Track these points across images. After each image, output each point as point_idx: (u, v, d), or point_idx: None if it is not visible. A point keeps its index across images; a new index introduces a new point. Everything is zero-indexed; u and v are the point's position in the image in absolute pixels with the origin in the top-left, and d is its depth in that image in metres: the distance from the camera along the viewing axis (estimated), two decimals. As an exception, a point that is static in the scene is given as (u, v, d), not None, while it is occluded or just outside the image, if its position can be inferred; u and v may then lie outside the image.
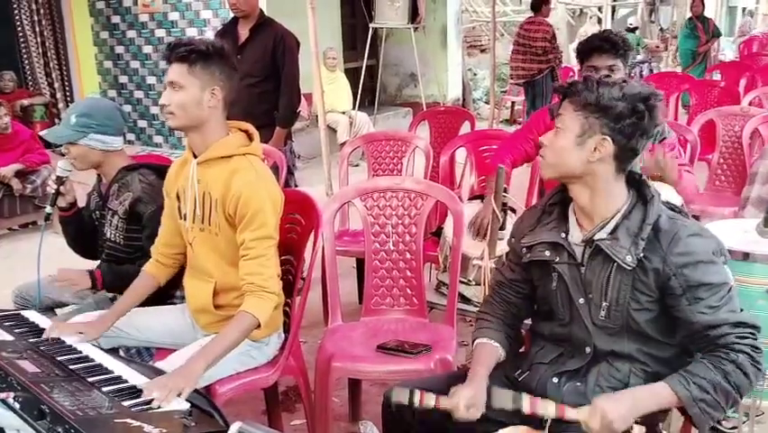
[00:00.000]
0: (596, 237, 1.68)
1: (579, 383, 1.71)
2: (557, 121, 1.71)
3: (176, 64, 2.01)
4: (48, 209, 2.45)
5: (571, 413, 1.58)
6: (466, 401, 1.64)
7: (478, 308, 1.97)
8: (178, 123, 2.05)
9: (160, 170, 2.43)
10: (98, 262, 2.54)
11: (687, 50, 9.74)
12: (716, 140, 4.15)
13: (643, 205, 1.67)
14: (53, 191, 2.44)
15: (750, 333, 1.58)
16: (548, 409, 1.60)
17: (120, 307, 2.21)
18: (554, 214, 1.79)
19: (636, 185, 1.72)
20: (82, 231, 2.58)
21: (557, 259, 1.74)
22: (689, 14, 10.47)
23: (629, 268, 1.62)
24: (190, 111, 2.02)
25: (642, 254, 1.61)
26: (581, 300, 1.70)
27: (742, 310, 1.63)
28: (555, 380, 1.74)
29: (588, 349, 1.71)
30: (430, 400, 1.67)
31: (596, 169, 1.66)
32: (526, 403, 1.61)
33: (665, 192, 2.23)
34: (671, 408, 1.64)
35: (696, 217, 3.86)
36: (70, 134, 2.37)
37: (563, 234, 1.74)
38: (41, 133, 2.49)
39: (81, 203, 2.60)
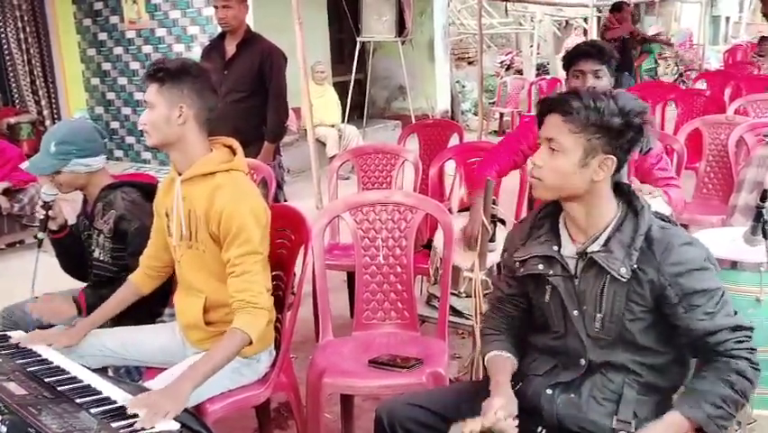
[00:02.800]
0: (589, 250, 1.68)
1: (573, 395, 1.70)
2: (548, 138, 1.66)
3: (149, 83, 2.05)
4: (40, 235, 2.45)
5: None
6: (502, 411, 1.61)
7: (481, 325, 1.97)
8: (152, 141, 2.08)
9: (143, 187, 2.43)
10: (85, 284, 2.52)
11: None
12: (702, 149, 4.19)
13: (634, 216, 1.67)
14: (42, 217, 2.43)
15: (746, 336, 1.59)
16: None
17: (100, 314, 2.21)
18: (545, 227, 1.79)
19: (625, 196, 1.72)
20: (75, 252, 2.56)
21: (551, 271, 1.73)
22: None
23: (624, 280, 1.62)
24: (161, 129, 2.04)
25: (636, 265, 1.62)
26: (576, 312, 1.70)
27: (736, 313, 1.63)
28: (549, 391, 1.73)
29: (582, 361, 1.71)
30: (475, 426, 1.60)
31: (598, 186, 1.67)
32: None
33: (653, 203, 2.24)
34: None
35: (684, 226, 3.88)
36: (54, 164, 2.36)
37: (555, 247, 1.74)
38: (22, 167, 2.47)
39: (72, 220, 2.59)
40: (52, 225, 2.48)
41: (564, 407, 1.69)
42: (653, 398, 1.68)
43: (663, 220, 1.71)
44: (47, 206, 2.42)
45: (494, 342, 1.87)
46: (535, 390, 1.75)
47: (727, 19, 21.07)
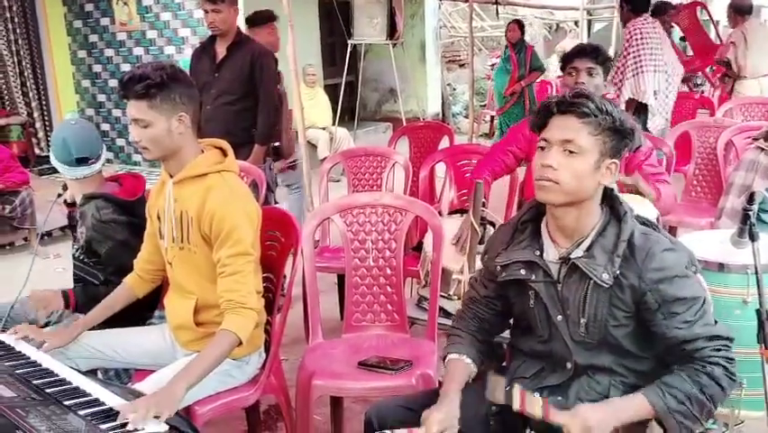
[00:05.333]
0: (572, 255, 1.68)
1: (560, 397, 1.71)
2: (566, 139, 1.62)
3: (134, 101, 1.98)
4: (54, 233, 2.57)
5: (555, 416, 1.60)
6: (439, 426, 1.63)
7: (451, 323, 1.97)
8: (153, 155, 2.05)
9: (119, 202, 2.42)
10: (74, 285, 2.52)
11: (501, 86, 7.51)
12: (691, 151, 4.22)
13: (617, 221, 1.67)
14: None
15: (724, 345, 1.60)
16: (535, 408, 1.62)
17: (92, 316, 2.21)
18: (527, 231, 1.78)
19: (609, 201, 1.71)
20: None
21: (533, 277, 1.73)
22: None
23: (606, 286, 1.63)
24: (164, 143, 2.02)
25: (618, 271, 1.62)
26: (560, 318, 1.71)
27: (716, 322, 1.65)
28: (536, 395, 1.72)
29: (569, 365, 1.72)
30: None
31: (598, 191, 1.67)
32: (517, 400, 1.63)
33: (639, 206, 2.26)
34: (650, 419, 1.65)
35: (673, 229, 3.91)
36: (86, 171, 2.45)
37: (538, 252, 1.74)
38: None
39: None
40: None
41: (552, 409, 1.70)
42: None
43: (646, 225, 1.71)
44: (69, 203, 2.54)
45: (458, 344, 1.86)
46: None
47: (717, 23, 21.15)
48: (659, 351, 1.67)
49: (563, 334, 1.70)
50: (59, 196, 2.55)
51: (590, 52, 2.83)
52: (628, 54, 4.82)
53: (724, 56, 6.21)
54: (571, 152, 1.62)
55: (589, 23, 11.06)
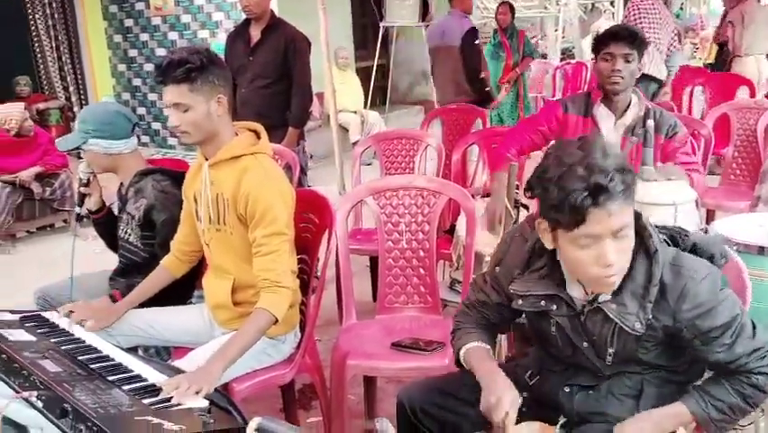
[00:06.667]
0: (600, 300, 1.57)
1: (591, 391, 1.68)
2: (618, 228, 1.44)
3: (173, 85, 2.00)
4: (76, 210, 2.57)
5: None
6: (513, 406, 1.59)
7: (455, 319, 1.89)
8: (193, 139, 2.08)
9: (175, 175, 2.45)
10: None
11: (493, 74, 6.69)
12: (730, 134, 4.13)
13: (645, 257, 1.54)
14: (78, 193, 2.55)
15: (767, 352, 1.55)
16: None
17: (134, 297, 2.27)
18: (545, 258, 1.64)
19: (637, 230, 1.53)
20: (114, 233, 2.60)
21: (554, 307, 1.63)
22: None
23: (638, 334, 1.54)
24: (204, 126, 2.05)
25: (650, 316, 1.53)
26: (585, 344, 1.64)
27: (755, 328, 1.56)
28: (567, 389, 1.71)
29: (598, 373, 1.67)
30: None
31: None
32: None
33: (678, 189, 2.23)
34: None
35: (711, 212, 3.85)
36: (72, 140, 2.45)
37: (558, 284, 1.63)
38: (56, 141, 2.57)
39: (109, 202, 2.66)
40: (89, 204, 2.56)
41: (583, 403, 1.68)
42: (674, 391, 1.65)
43: (673, 240, 1.63)
44: (81, 182, 2.52)
45: (470, 334, 1.79)
46: (553, 387, 1.73)
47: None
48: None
49: (589, 356, 1.65)
50: (78, 214, 2.58)
51: (627, 37, 2.66)
52: None
53: (723, 37, 6.32)
54: (623, 236, 1.46)
55: (625, 2, 10.81)
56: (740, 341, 1.53)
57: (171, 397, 1.66)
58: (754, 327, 1.56)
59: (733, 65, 6.36)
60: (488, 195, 2.96)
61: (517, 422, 1.62)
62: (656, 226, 1.63)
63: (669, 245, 1.62)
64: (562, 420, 1.66)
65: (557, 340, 1.67)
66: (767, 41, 6.40)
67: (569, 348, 1.67)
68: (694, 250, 1.63)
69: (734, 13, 6.34)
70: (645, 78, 4.98)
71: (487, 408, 1.60)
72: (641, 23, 4.84)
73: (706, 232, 2.25)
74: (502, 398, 1.59)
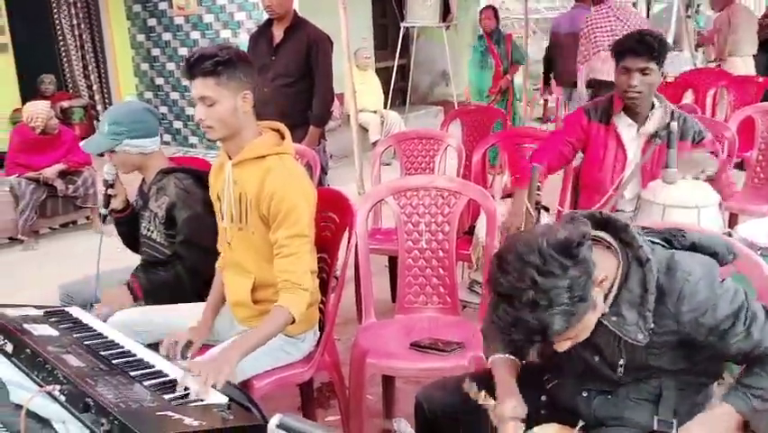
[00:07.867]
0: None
1: (609, 396, 1.67)
2: None
3: (201, 78, 2.01)
4: (102, 211, 2.60)
5: None
6: (513, 412, 1.62)
7: (482, 325, 1.91)
8: (218, 135, 2.08)
9: (197, 174, 2.47)
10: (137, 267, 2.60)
11: (480, 82, 6.73)
12: (754, 137, 4.07)
13: (638, 265, 1.54)
14: (104, 195, 2.57)
15: None
16: None
17: (212, 304, 2.28)
18: None
19: (622, 237, 1.56)
20: (136, 231, 2.63)
21: None
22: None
23: (642, 344, 1.54)
24: (229, 121, 2.05)
25: (652, 325, 1.52)
26: (596, 358, 1.64)
27: (765, 309, 1.55)
28: (585, 394, 1.70)
29: (614, 379, 1.66)
30: (489, 401, 1.65)
31: None
32: None
33: (700, 191, 2.20)
34: None
35: (734, 216, 3.80)
36: (106, 143, 2.46)
37: None
38: (81, 145, 2.58)
39: (132, 199, 2.69)
40: (115, 204, 2.58)
41: (602, 408, 1.67)
42: (693, 393, 1.64)
43: (667, 241, 1.61)
44: (107, 183, 2.53)
45: (498, 344, 1.80)
46: (570, 392, 1.72)
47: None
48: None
49: (602, 369, 1.64)
50: (102, 215, 2.61)
51: (644, 52, 2.57)
52: (588, 41, 4.93)
53: (711, 41, 6.48)
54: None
55: (648, 3, 10.69)
56: (755, 327, 1.51)
57: (189, 392, 1.68)
58: (767, 312, 1.55)
59: (722, 67, 6.48)
60: (507, 196, 2.94)
61: (535, 425, 1.63)
62: (650, 229, 1.64)
63: (666, 247, 1.61)
64: (580, 424, 1.65)
65: (566, 356, 1.64)
66: (753, 43, 6.60)
67: (581, 364, 1.67)
68: (694, 248, 1.61)
69: (720, 17, 6.54)
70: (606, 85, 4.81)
71: (492, 411, 1.65)
72: (594, 35, 4.80)
73: (729, 235, 2.22)
74: (504, 403, 1.63)
